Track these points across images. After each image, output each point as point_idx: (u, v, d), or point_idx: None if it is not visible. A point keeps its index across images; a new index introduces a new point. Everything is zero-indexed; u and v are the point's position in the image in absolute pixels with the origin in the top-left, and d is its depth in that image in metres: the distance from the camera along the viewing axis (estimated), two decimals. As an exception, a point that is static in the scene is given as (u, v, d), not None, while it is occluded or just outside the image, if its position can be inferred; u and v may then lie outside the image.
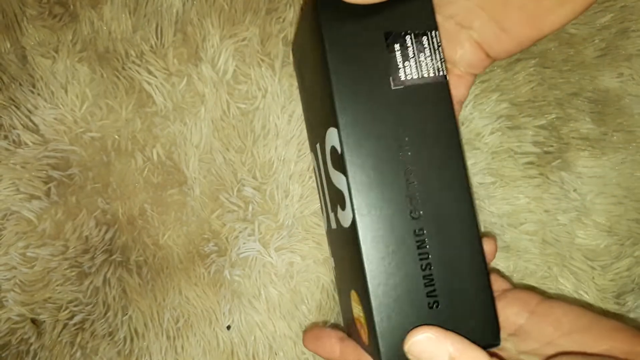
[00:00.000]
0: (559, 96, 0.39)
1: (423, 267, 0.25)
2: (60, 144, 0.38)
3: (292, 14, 0.38)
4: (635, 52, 0.39)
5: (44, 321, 0.38)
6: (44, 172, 0.38)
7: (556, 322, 0.29)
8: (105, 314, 0.38)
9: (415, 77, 0.26)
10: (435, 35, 0.26)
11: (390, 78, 0.25)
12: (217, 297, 0.38)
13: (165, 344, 0.38)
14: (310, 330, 0.34)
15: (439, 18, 0.30)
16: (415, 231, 0.25)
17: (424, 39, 0.26)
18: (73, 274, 0.38)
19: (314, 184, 0.39)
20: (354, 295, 0.27)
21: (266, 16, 0.39)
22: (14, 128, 0.38)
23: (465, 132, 0.39)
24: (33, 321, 0.38)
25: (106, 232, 0.38)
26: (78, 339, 0.38)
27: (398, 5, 0.25)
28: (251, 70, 0.38)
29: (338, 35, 0.25)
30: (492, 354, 0.24)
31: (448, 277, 0.25)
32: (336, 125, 0.25)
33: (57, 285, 0.38)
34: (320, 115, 0.28)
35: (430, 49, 0.26)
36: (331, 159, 0.27)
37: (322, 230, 0.39)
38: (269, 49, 0.39)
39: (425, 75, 0.26)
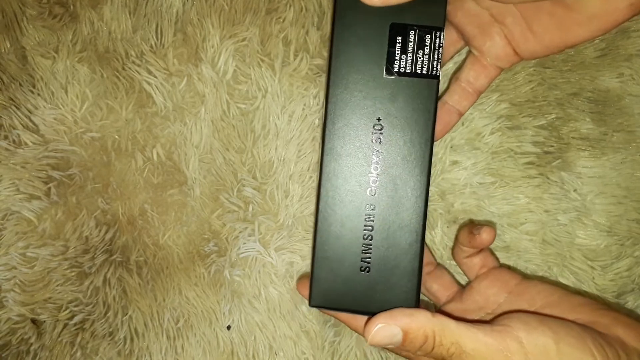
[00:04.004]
0: (559, 96, 0.39)
1: (365, 237, 0.28)
2: (61, 144, 0.38)
3: (292, 14, 0.38)
4: (636, 52, 0.39)
5: (44, 321, 0.38)
6: (44, 172, 0.38)
7: (530, 299, 0.31)
8: (106, 314, 0.38)
9: (408, 70, 0.28)
10: (440, 36, 0.28)
11: (384, 67, 0.28)
12: (217, 297, 0.39)
13: (166, 344, 0.38)
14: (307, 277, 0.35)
15: (477, 8, 0.30)
16: (367, 206, 0.28)
17: (427, 37, 0.27)
18: (73, 274, 0.38)
19: (314, 184, 0.39)
20: (312, 243, 0.31)
21: (266, 16, 0.39)
22: (14, 128, 0.38)
23: (465, 132, 0.39)
24: (33, 321, 0.38)
25: (106, 232, 0.38)
26: (78, 339, 0.38)
27: (414, 2, 0.27)
28: (251, 71, 0.38)
29: (350, 17, 0.28)
30: (437, 310, 0.27)
31: (384, 251, 0.28)
32: (326, 97, 0.28)
33: (57, 286, 0.38)
34: (325, 84, 0.31)
35: (430, 47, 0.28)
36: (320, 125, 0.32)
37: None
38: (269, 49, 0.39)
39: (419, 71, 0.28)
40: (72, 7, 0.39)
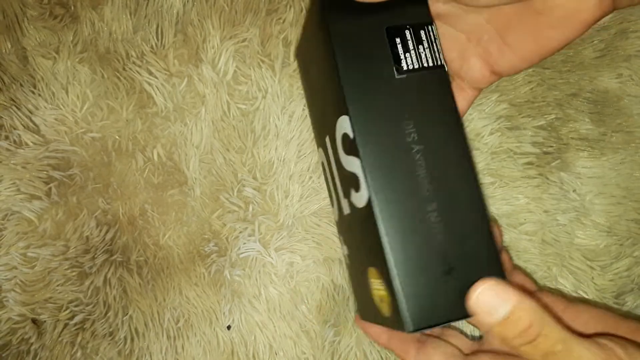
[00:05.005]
0: (558, 97, 0.39)
1: (435, 236, 0.26)
2: (61, 145, 0.38)
3: (292, 15, 0.38)
4: (634, 53, 0.39)
5: (45, 321, 0.38)
6: (45, 172, 0.38)
7: (583, 325, 0.29)
8: (106, 313, 0.38)
9: (416, 66, 0.28)
10: (432, 29, 0.28)
11: (394, 68, 0.27)
12: (217, 297, 0.39)
13: (166, 343, 0.38)
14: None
15: (452, 31, 0.31)
16: (425, 204, 0.27)
17: (422, 32, 0.28)
18: (74, 274, 0.38)
19: (314, 185, 0.39)
20: (372, 272, 0.29)
21: (266, 17, 0.39)
22: (14, 128, 0.38)
23: (464, 132, 0.39)
24: (34, 321, 0.38)
25: (107, 232, 0.38)
26: (78, 339, 0.38)
27: (396, 5, 0.27)
28: (251, 71, 0.39)
29: (344, 32, 0.27)
30: (545, 305, 0.25)
31: (459, 244, 0.26)
32: (347, 113, 0.27)
33: (58, 285, 0.38)
34: (329, 108, 0.30)
35: (427, 41, 0.28)
36: (343, 145, 0.29)
37: (322, 230, 0.39)
38: (269, 50, 0.39)
39: (425, 64, 0.28)
40: (72, 7, 0.39)
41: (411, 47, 0.28)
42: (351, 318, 0.39)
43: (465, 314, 0.25)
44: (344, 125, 0.28)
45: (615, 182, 0.39)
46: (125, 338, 0.38)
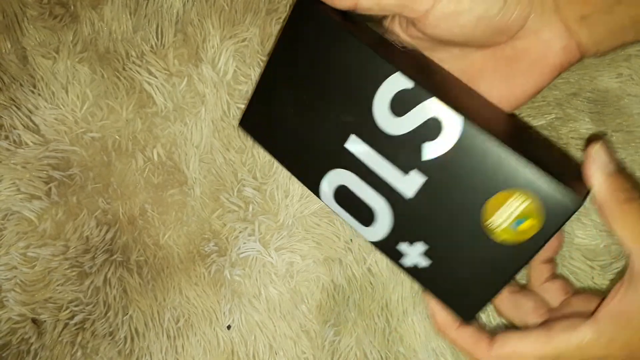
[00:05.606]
0: (558, 96, 0.39)
1: (527, 138, 0.30)
2: (61, 144, 0.38)
3: (292, 15, 0.38)
4: (635, 53, 0.39)
5: (45, 321, 0.38)
6: (45, 172, 0.38)
7: None
8: (106, 313, 0.38)
9: (403, 45, 0.31)
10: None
11: (396, 46, 0.30)
12: (217, 296, 0.39)
13: (166, 343, 0.38)
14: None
15: None
16: (495, 114, 0.29)
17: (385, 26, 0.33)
18: (74, 273, 0.38)
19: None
20: (496, 201, 0.27)
21: (266, 17, 0.39)
22: (14, 128, 0.38)
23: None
24: (34, 321, 0.38)
25: (107, 232, 0.38)
26: (79, 339, 0.38)
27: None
28: (251, 71, 0.39)
29: (339, 26, 0.29)
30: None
31: (541, 145, 0.32)
32: (394, 71, 0.28)
33: (58, 285, 0.38)
34: (359, 94, 0.30)
35: (395, 35, 0.32)
36: (394, 110, 0.28)
37: (322, 230, 0.39)
38: (269, 50, 0.39)
39: (405, 45, 0.32)
40: (72, 7, 0.39)
41: (388, 36, 0.31)
42: (351, 318, 0.39)
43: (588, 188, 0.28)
44: (393, 85, 0.28)
45: (615, 181, 0.39)
46: (125, 338, 0.38)
